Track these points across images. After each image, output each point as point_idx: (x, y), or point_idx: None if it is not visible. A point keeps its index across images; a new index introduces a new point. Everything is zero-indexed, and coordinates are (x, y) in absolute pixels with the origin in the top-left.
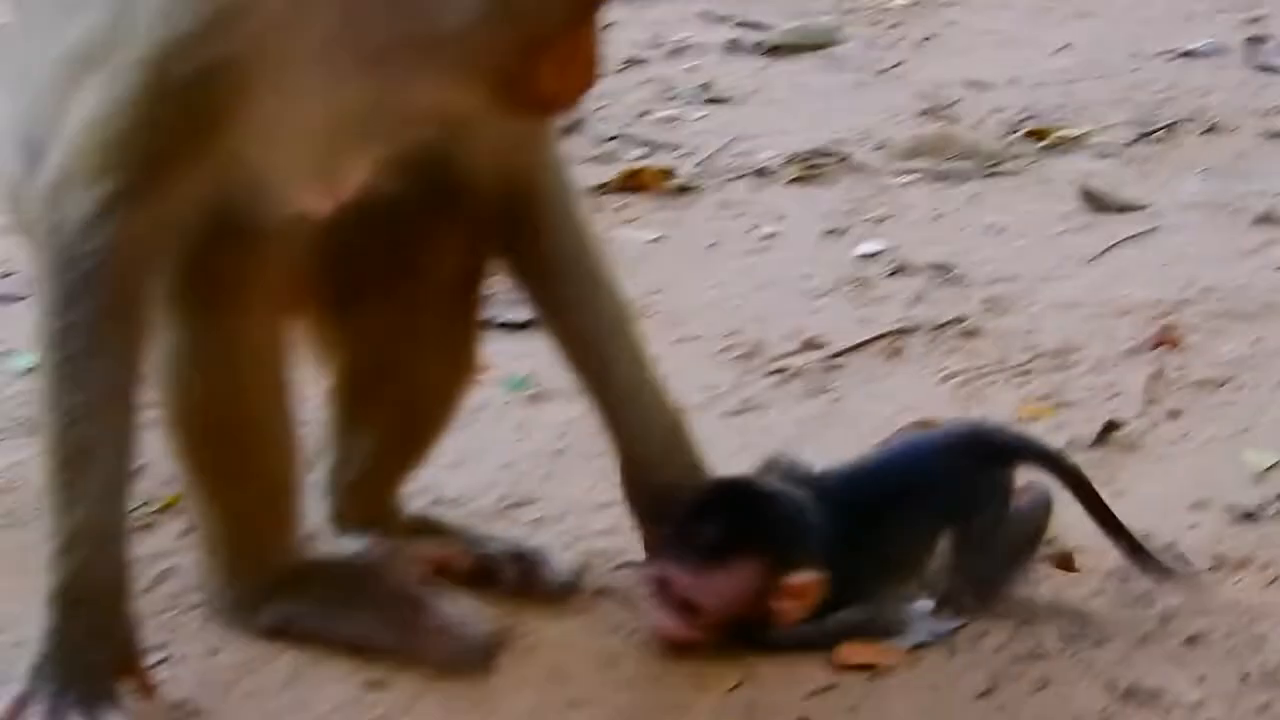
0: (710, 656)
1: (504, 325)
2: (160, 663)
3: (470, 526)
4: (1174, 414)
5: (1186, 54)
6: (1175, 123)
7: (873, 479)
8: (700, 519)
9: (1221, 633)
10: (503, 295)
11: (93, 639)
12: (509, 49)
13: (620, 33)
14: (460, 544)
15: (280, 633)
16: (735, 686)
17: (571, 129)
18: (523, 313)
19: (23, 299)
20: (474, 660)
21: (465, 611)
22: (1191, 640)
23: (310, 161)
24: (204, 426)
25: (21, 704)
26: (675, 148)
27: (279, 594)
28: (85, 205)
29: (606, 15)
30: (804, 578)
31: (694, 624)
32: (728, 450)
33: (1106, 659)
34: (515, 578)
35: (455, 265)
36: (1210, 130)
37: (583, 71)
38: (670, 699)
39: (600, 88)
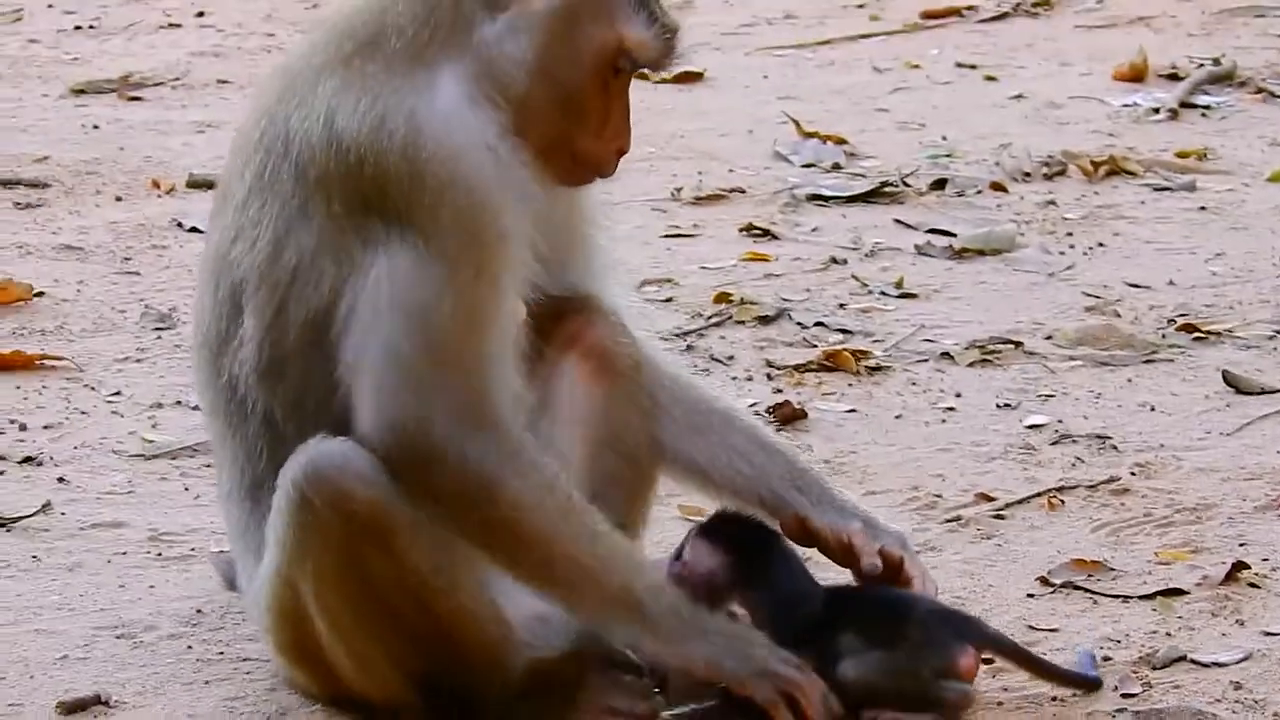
0: None
1: None
2: None
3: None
4: None
5: None
6: None
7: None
8: None
9: None
10: None
11: None
12: (554, 120)
13: (824, 236)
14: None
15: None
16: None
17: (776, 318)
18: None
19: None
20: None
21: None
22: None
23: None
24: None
25: None
26: (869, 334)
27: None
28: None
29: (633, 91)
30: None
31: None
32: None
33: None
34: None
35: None
36: None
37: (616, 138)
38: None
39: (801, 284)
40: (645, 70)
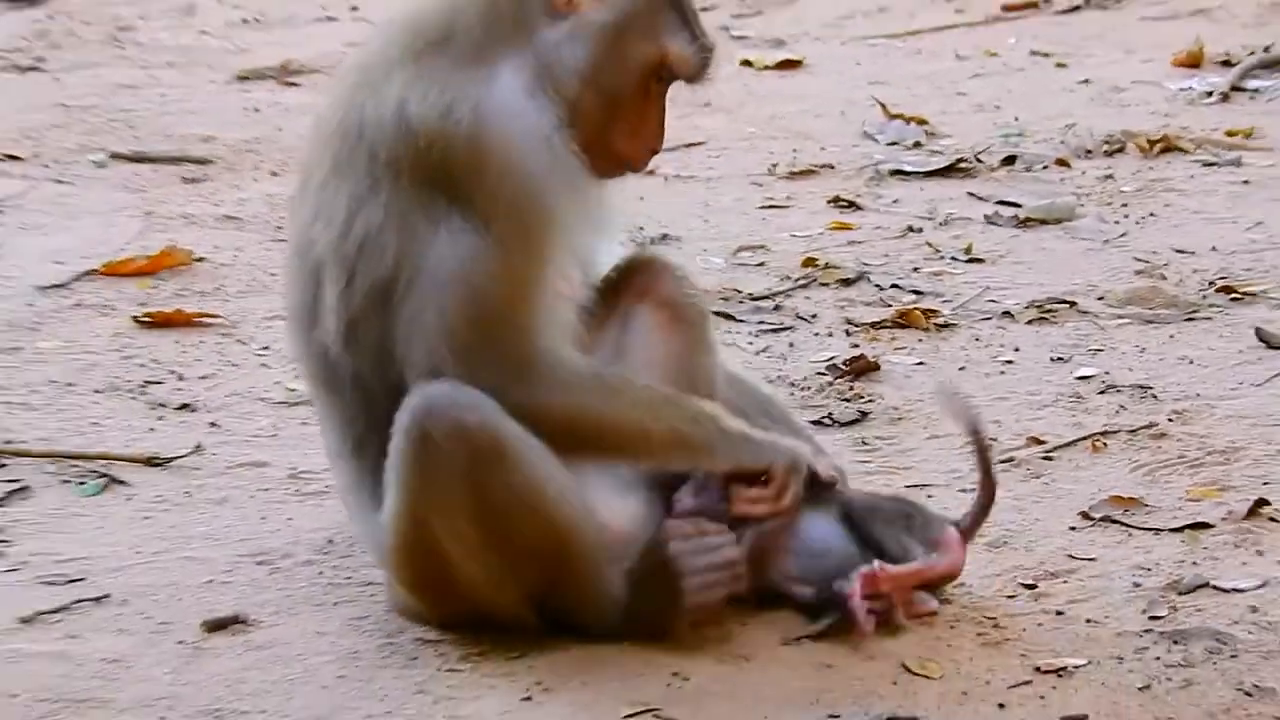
0: None
1: None
2: None
3: None
4: None
5: None
6: None
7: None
8: None
9: None
10: None
11: None
12: (599, 119)
13: (903, 208)
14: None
15: None
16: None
17: (856, 280)
18: None
19: None
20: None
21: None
22: None
23: None
24: None
25: None
26: (939, 295)
27: None
28: None
29: (669, 96)
30: None
31: None
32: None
33: (1238, 668)
34: None
35: None
36: None
37: (650, 138)
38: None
39: (880, 250)
40: (681, 82)
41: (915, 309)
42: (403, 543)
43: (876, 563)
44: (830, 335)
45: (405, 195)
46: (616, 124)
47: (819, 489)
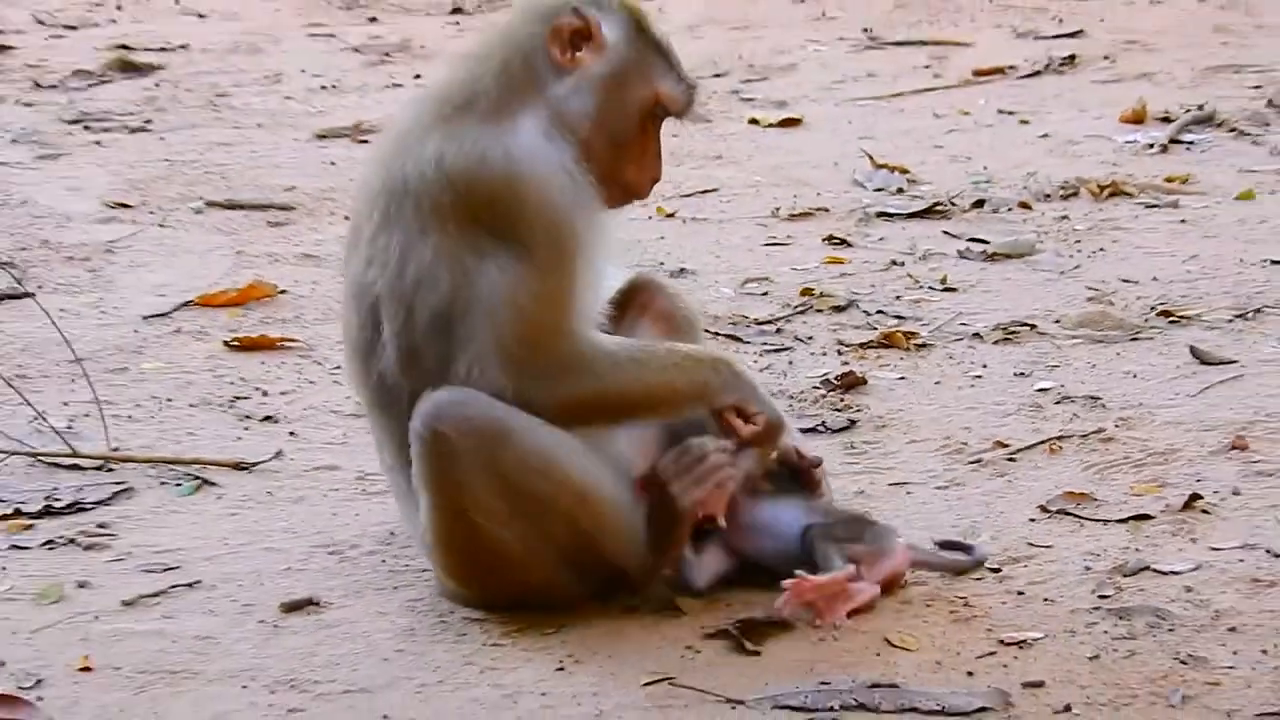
0: None
1: None
2: None
3: None
4: (1236, 492)
5: (1275, 262)
6: (1261, 308)
7: None
8: None
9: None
10: None
11: None
12: (607, 156)
13: (888, 244)
14: None
15: None
16: None
17: (847, 307)
18: None
19: None
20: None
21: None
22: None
23: None
24: None
25: None
26: (918, 319)
27: None
28: None
29: (666, 131)
30: None
31: None
32: (936, 510)
33: (1175, 640)
34: None
35: None
36: None
37: (651, 169)
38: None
39: (868, 281)
40: (673, 117)
41: (898, 331)
42: (442, 535)
43: (799, 573)
44: (824, 354)
45: (452, 236)
46: (622, 159)
47: (803, 479)
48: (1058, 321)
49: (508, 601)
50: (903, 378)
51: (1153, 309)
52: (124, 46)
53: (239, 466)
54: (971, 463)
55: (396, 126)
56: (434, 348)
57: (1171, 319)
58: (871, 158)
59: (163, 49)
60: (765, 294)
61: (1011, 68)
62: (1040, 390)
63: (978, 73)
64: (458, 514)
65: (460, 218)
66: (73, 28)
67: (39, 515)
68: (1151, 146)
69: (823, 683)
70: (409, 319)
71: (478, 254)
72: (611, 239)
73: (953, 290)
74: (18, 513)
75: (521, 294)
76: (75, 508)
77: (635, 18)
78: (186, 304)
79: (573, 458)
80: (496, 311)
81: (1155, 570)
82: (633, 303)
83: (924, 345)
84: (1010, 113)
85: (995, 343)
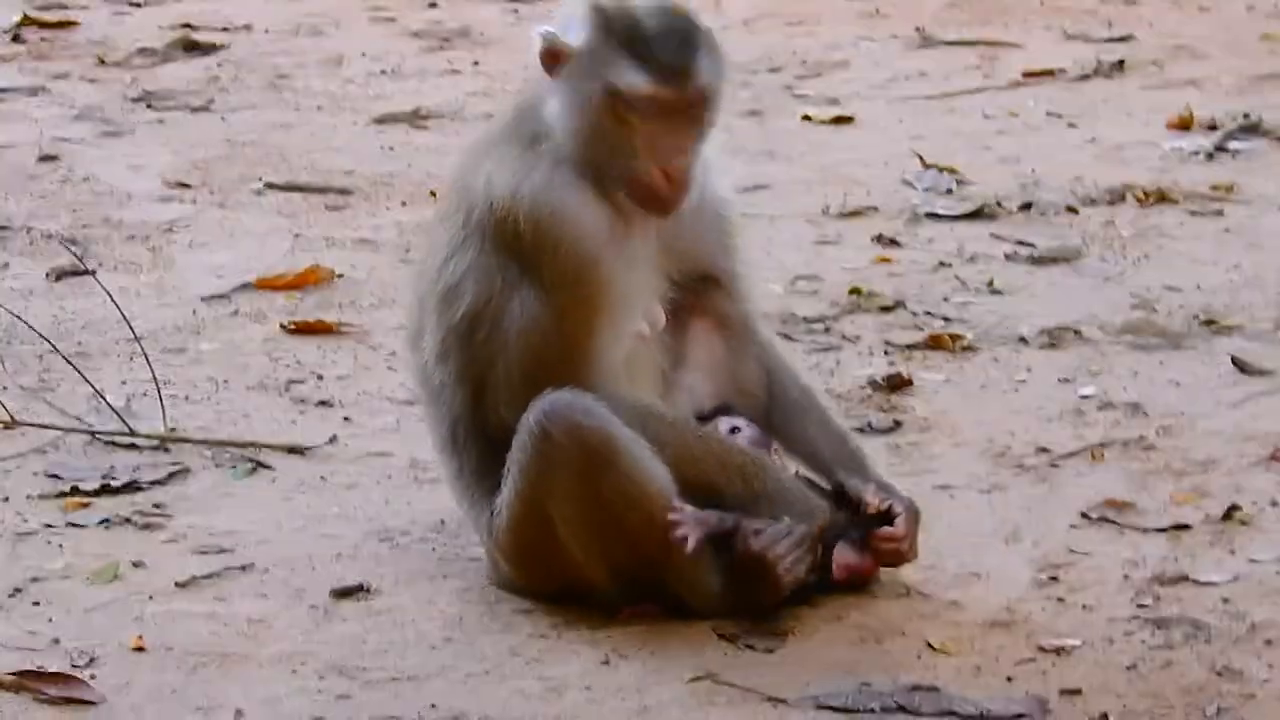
0: None
1: None
2: None
3: None
4: (1275, 504)
5: None
6: None
7: None
8: None
9: None
10: None
11: None
12: (613, 164)
13: (936, 245)
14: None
15: None
16: None
17: (894, 307)
18: None
19: None
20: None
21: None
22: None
23: None
24: None
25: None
26: (965, 321)
27: None
28: None
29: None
30: None
31: None
32: (979, 515)
33: (1212, 651)
34: None
35: None
36: None
37: (655, 162)
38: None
39: (916, 282)
40: (649, 106)
41: (944, 334)
42: (515, 521)
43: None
44: (871, 354)
45: (487, 255)
46: (622, 159)
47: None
48: (1102, 328)
49: (555, 594)
50: (948, 380)
51: (1196, 317)
52: (188, 25)
53: (293, 450)
54: (1015, 467)
55: (475, 141)
56: (456, 352)
57: (1214, 328)
58: (921, 158)
59: (225, 29)
60: (814, 292)
61: (1061, 70)
62: (1084, 396)
63: (1027, 74)
64: (537, 508)
65: (495, 240)
66: (138, 4)
67: (96, 493)
68: (1197, 154)
69: (864, 684)
70: (440, 317)
71: (506, 279)
72: (648, 255)
73: (999, 293)
74: (75, 490)
75: (534, 332)
76: (132, 487)
77: (598, 15)
78: (244, 286)
79: (668, 498)
80: (509, 343)
81: (1194, 580)
82: (693, 305)
83: (969, 348)
84: (1059, 115)
85: (1040, 347)
